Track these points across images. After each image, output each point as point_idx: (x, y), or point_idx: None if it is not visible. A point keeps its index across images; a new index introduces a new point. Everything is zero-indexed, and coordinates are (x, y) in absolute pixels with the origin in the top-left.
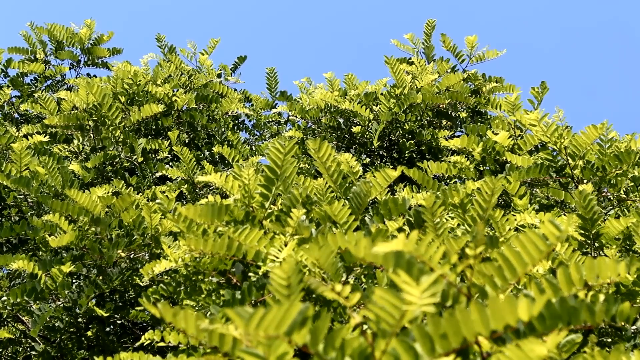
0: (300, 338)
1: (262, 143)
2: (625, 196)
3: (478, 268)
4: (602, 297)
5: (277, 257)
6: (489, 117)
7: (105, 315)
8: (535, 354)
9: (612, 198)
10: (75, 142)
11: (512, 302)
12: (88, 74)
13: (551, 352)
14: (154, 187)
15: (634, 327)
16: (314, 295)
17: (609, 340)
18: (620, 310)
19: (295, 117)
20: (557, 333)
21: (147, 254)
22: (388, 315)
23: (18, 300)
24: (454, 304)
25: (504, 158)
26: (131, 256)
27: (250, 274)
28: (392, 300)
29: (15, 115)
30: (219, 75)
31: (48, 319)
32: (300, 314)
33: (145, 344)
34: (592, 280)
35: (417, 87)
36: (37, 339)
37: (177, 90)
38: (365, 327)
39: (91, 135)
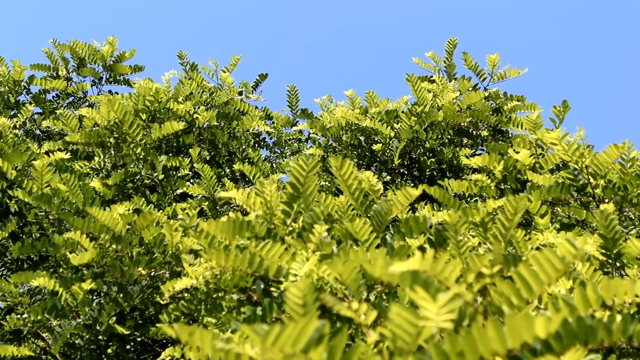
0: (317, 356)
1: (283, 161)
2: None
3: (495, 287)
4: (619, 317)
5: (299, 273)
6: (510, 135)
7: (126, 332)
8: None
9: (633, 217)
10: (96, 159)
11: (529, 320)
12: (110, 91)
13: None
14: (174, 204)
15: None
16: (334, 312)
17: None
18: (637, 330)
19: (316, 134)
20: (575, 352)
21: (167, 272)
22: (404, 333)
23: (39, 317)
24: (470, 323)
25: (525, 177)
26: (152, 274)
27: (272, 289)
28: (409, 317)
29: (37, 132)
30: (240, 93)
31: (68, 336)
32: (316, 331)
33: None
34: (609, 300)
35: (438, 105)
36: (57, 356)
37: (199, 108)
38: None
39: (112, 152)
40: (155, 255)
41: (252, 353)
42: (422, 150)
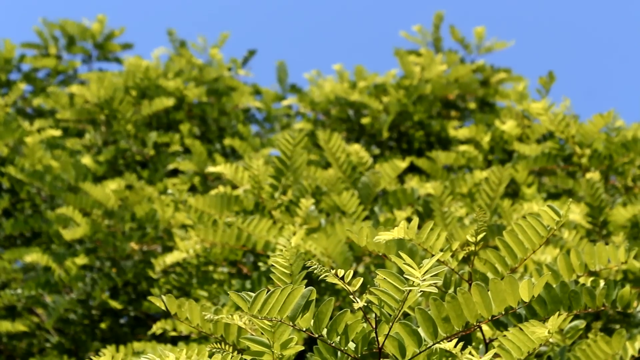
0: (304, 322)
1: (273, 135)
2: (632, 184)
3: (480, 255)
4: (602, 282)
5: (285, 247)
6: (497, 107)
7: (119, 307)
8: (536, 336)
9: (619, 186)
10: (87, 136)
11: (513, 284)
12: (100, 69)
13: (555, 337)
14: (165, 179)
15: None
16: (323, 285)
17: (617, 326)
18: (620, 295)
19: (305, 109)
20: (557, 316)
21: (159, 247)
22: (390, 299)
23: (32, 292)
24: (455, 290)
25: (513, 147)
26: (144, 249)
27: (260, 263)
28: (395, 282)
29: (29, 110)
30: (229, 69)
31: (62, 312)
32: (303, 297)
33: (158, 334)
34: (592, 267)
35: (425, 79)
36: (51, 331)
37: (188, 84)
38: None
39: (103, 129)
40: (148, 230)
41: (240, 323)
42: (410, 123)
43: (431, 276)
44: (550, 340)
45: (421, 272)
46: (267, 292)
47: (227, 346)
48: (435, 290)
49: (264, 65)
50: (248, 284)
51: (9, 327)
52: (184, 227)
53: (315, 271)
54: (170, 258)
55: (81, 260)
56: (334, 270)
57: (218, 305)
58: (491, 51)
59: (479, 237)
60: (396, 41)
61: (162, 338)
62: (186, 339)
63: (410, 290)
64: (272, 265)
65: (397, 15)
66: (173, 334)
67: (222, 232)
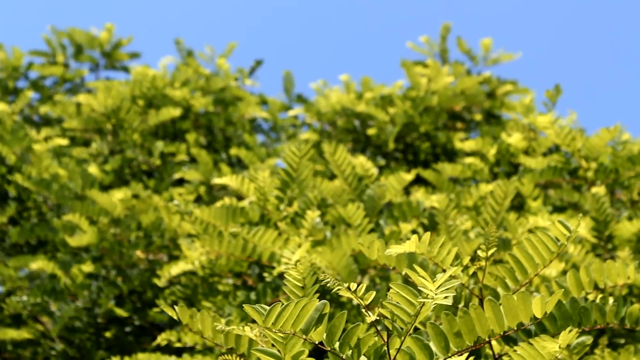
0: (317, 335)
1: (279, 145)
2: (638, 198)
3: (490, 270)
4: (611, 299)
5: (290, 259)
6: (503, 120)
7: (125, 315)
8: (546, 351)
9: (625, 200)
10: (94, 145)
11: (526, 300)
12: (107, 78)
13: (562, 353)
14: (171, 189)
15: None
16: (328, 297)
17: (622, 341)
18: (629, 312)
19: (312, 119)
20: (567, 333)
21: (165, 256)
22: (403, 313)
23: (38, 300)
24: (467, 305)
25: (518, 160)
26: (150, 257)
27: (265, 275)
28: (408, 296)
29: (35, 117)
30: (236, 79)
31: (67, 320)
32: (317, 310)
33: (163, 344)
34: (601, 283)
35: (432, 90)
36: (56, 339)
37: (195, 94)
38: (379, 327)
39: (109, 138)
40: (154, 239)
41: (251, 335)
42: (416, 134)
43: (445, 290)
44: (558, 356)
45: (435, 286)
46: (282, 305)
47: (236, 357)
48: (450, 303)
49: (271, 75)
50: (253, 296)
51: (14, 335)
52: (190, 236)
53: (328, 285)
54: (175, 269)
55: (87, 268)
56: (347, 284)
57: (222, 316)
58: (498, 63)
59: (490, 252)
60: (403, 52)
61: (166, 349)
62: (191, 350)
63: (423, 304)
64: (279, 277)
65: (404, 26)
66: (178, 345)
67: (227, 243)
